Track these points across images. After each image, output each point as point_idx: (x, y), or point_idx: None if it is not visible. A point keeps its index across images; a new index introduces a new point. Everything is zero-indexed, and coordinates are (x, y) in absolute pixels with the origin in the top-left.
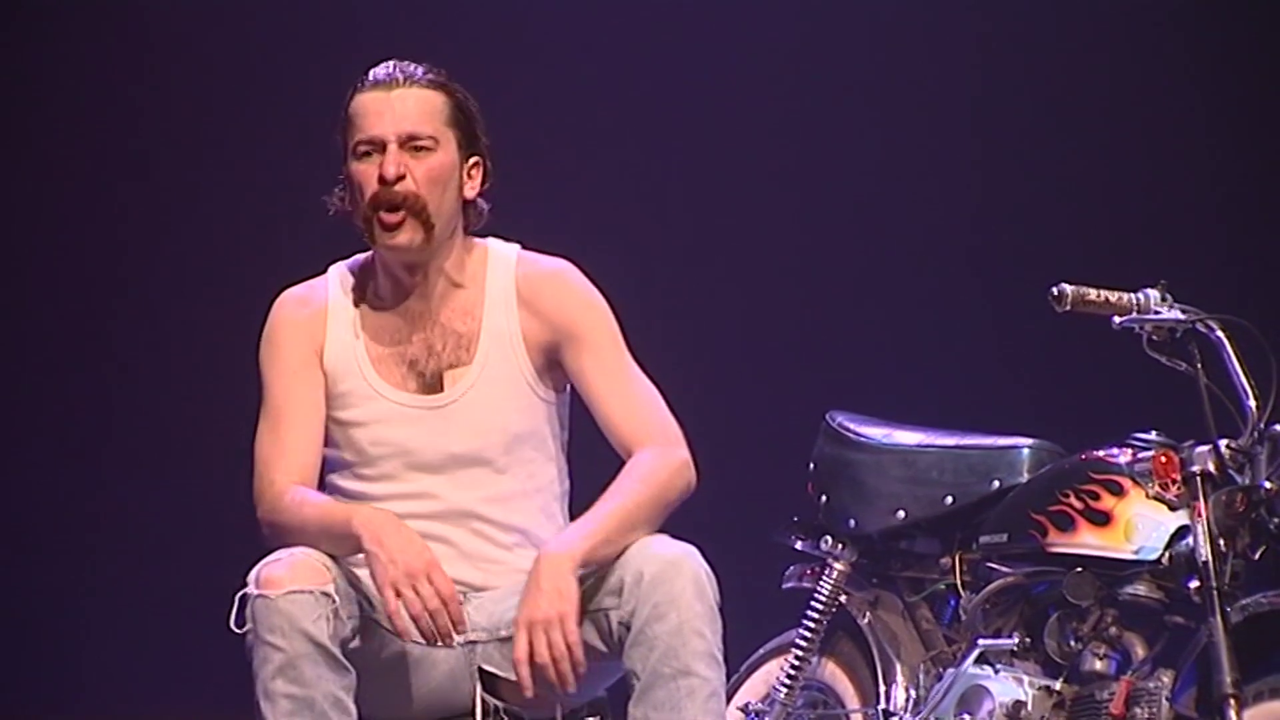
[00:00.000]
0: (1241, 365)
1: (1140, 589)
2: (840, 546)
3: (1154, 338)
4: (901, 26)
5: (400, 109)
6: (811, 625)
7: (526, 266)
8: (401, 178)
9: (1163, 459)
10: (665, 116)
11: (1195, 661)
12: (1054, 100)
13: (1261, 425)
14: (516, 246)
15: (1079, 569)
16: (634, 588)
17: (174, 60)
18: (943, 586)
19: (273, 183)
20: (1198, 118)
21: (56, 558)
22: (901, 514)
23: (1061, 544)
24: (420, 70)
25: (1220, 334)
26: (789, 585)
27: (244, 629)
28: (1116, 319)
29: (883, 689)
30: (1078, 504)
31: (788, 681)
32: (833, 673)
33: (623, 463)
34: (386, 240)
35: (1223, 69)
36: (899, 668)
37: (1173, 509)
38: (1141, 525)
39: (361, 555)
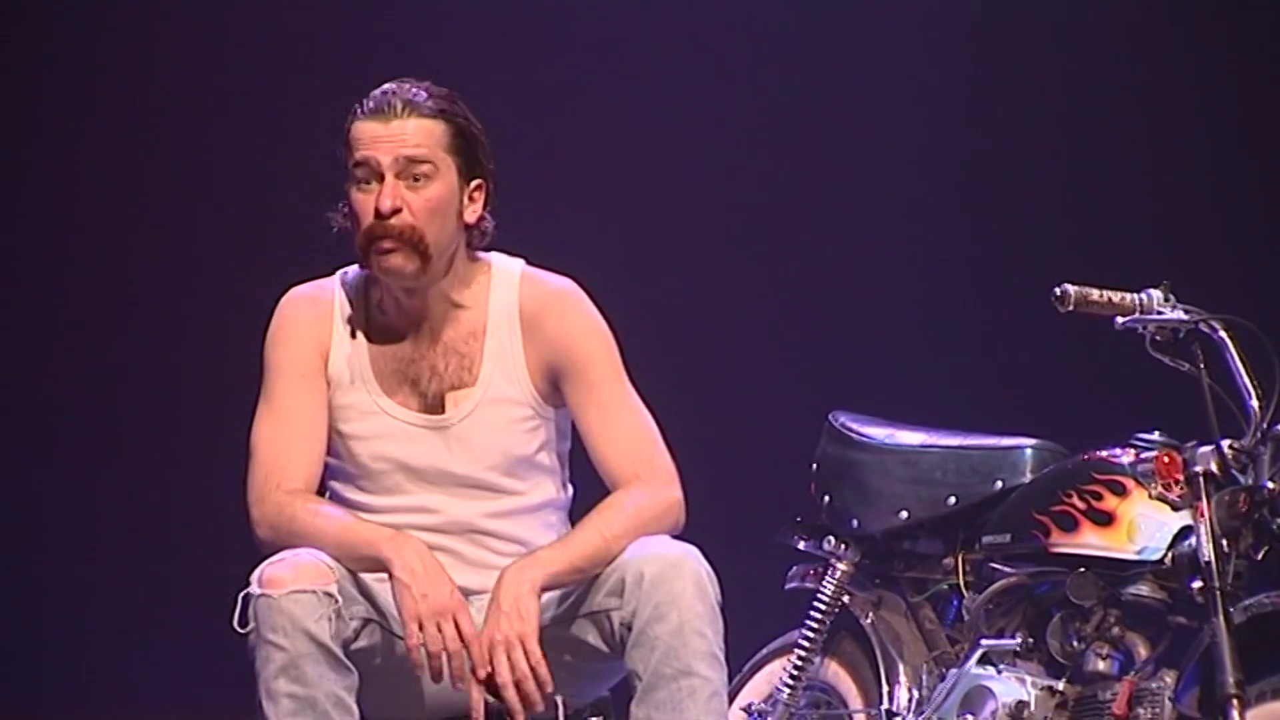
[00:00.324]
0: (1244, 365)
1: (1143, 589)
2: (843, 547)
3: (1157, 338)
4: (902, 27)
5: (398, 139)
6: (814, 625)
7: (530, 287)
8: (398, 210)
9: (1166, 459)
10: (665, 117)
11: (1198, 662)
12: (1056, 100)
13: (1264, 425)
14: (520, 263)
15: (1082, 569)
16: (635, 588)
17: (180, 57)
18: (946, 587)
19: (276, 182)
20: (1200, 117)
21: (57, 558)
22: (904, 514)
23: (1064, 544)
24: (422, 95)
25: (1223, 334)
26: (792, 585)
27: (247, 628)
28: (1119, 319)
29: (885, 689)
30: (1080, 504)
31: (791, 682)
32: (835, 673)
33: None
34: (382, 264)
35: (1225, 68)
36: (902, 668)
37: (1175, 509)
38: (1144, 525)
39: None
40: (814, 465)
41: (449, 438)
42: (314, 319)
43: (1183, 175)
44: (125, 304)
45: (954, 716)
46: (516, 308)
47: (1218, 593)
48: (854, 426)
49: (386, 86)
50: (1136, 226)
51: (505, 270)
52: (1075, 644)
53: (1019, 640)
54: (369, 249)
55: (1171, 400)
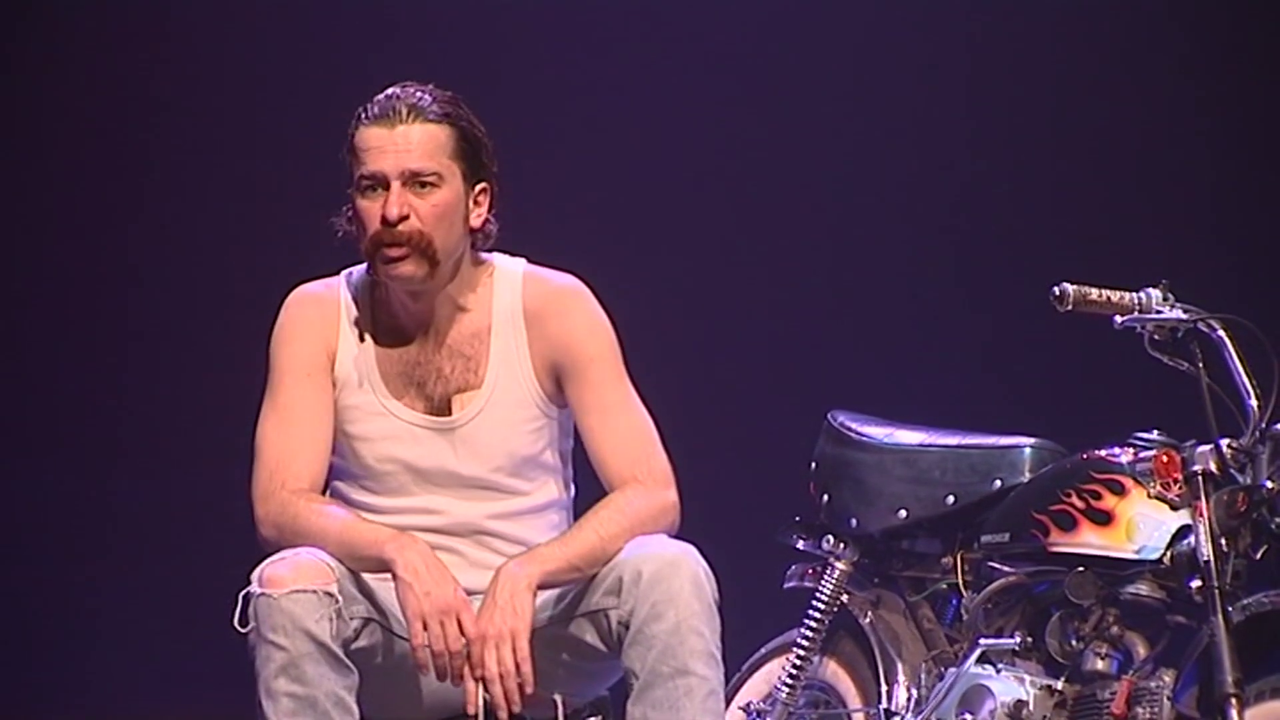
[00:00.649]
0: (1243, 364)
1: (1142, 588)
2: (842, 546)
3: (1155, 337)
4: (900, 26)
5: (404, 146)
6: (813, 625)
7: (533, 285)
8: (405, 217)
9: (1164, 458)
10: (664, 117)
11: (1197, 661)
12: (1055, 100)
13: (1263, 425)
14: (523, 262)
15: (1081, 568)
16: (632, 587)
17: (182, 54)
18: (944, 586)
19: (280, 181)
20: (1199, 116)
21: (58, 557)
22: (903, 513)
23: (1063, 543)
24: (427, 100)
25: (1222, 333)
26: (790, 585)
27: (247, 628)
28: (1118, 318)
29: (884, 688)
30: (1079, 503)
31: (789, 681)
32: (834, 672)
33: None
34: (390, 272)
35: (1224, 67)
36: (900, 667)
37: (1174, 508)
38: (1143, 525)
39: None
40: (813, 464)
41: (455, 439)
42: (320, 319)
43: (1181, 174)
44: (128, 303)
45: (952, 716)
46: (520, 307)
47: (1216, 592)
48: (853, 426)
49: (390, 91)
50: (1135, 226)
51: (508, 271)
52: (1074, 643)
53: (1018, 639)
54: (376, 255)
55: (1170, 399)
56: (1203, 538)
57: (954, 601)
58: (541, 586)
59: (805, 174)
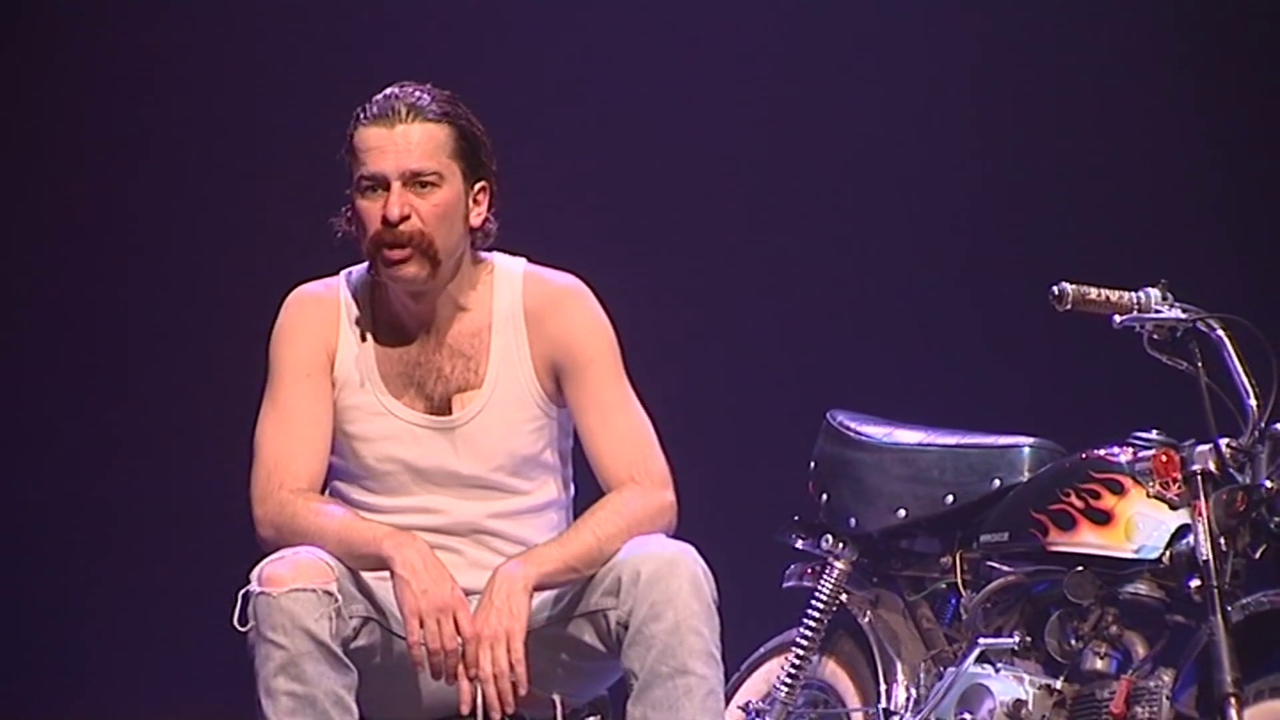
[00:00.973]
0: (1242, 364)
1: (1141, 588)
2: (841, 545)
3: (1155, 337)
4: (902, 27)
5: (404, 145)
6: (812, 624)
7: (533, 285)
8: (406, 218)
9: (1163, 458)
10: (664, 117)
11: (1196, 660)
12: (1055, 100)
13: (1262, 424)
14: (523, 261)
15: (1080, 568)
16: (631, 587)
17: (182, 55)
18: (943, 585)
19: (279, 181)
20: (1199, 116)
21: (57, 557)
22: (902, 513)
23: (1062, 543)
24: (426, 99)
25: (1221, 333)
26: (789, 584)
27: (246, 627)
28: (1117, 318)
29: (883, 688)
30: (1078, 503)
31: (788, 680)
32: (833, 672)
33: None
34: (392, 273)
35: (1223, 67)
36: (900, 666)
37: (1173, 508)
38: (1142, 524)
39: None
40: (812, 464)
41: (455, 438)
42: (320, 319)
43: (1181, 174)
44: (128, 303)
45: (951, 715)
46: (520, 307)
47: (1215, 591)
48: (852, 425)
49: (389, 91)
50: (1134, 225)
51: (508, 270)
52: (1073, 643)
53: (1017, 639)
54: (378, 256)
55: (1169, 399)
56: (1202, 537)
57: (953, 601)
58: (539, 587)
59: (805, 174)
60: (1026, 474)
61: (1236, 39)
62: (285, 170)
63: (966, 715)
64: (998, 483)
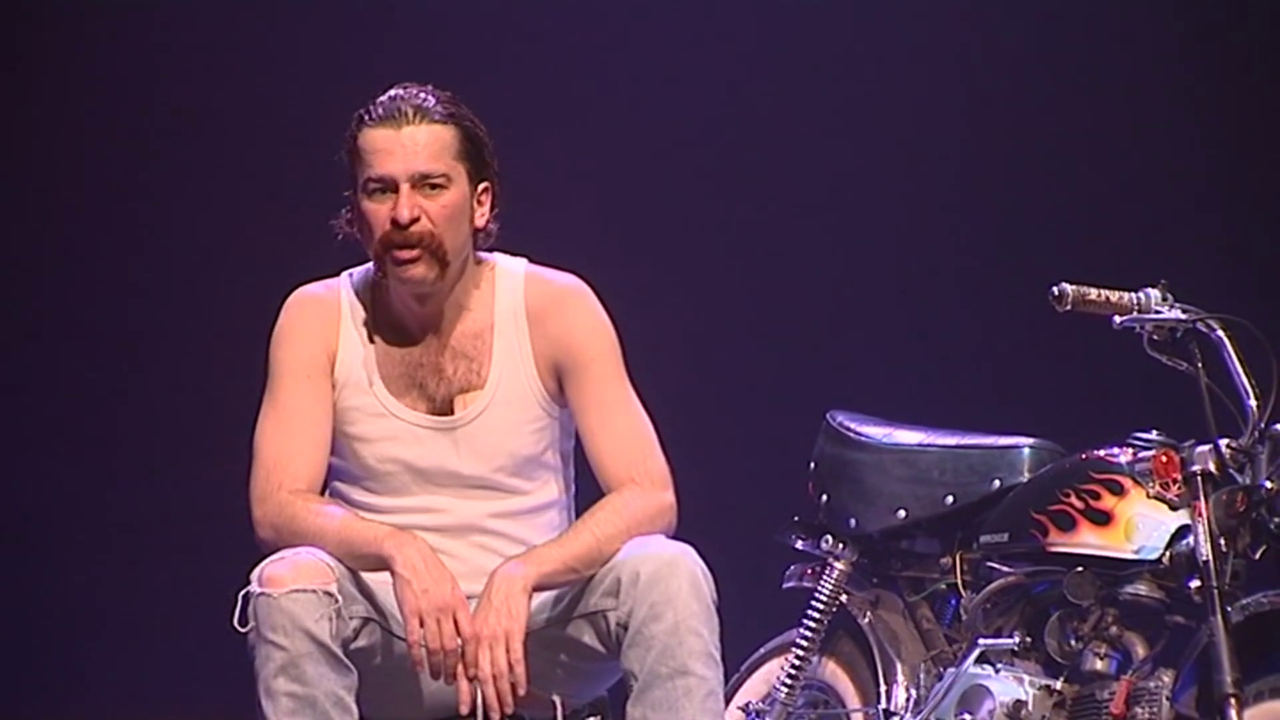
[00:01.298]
0: (1242, 365)
1: (1141, 588)
2: (841, 546)
3: (1154, 337)
4: (898, 27)
5: (411, 147)
6: (812, 625)
7: (535, 285)
8: (416, 219)
9: (1163, 458)
10: (665, 117)
11: (1196, 661)
12: (1054, 100)
13: (1262, 425)
14: (524, 262)
15: (1080, 568)
16: (630, 588)
17: (182, 55)
18: (943, 586)
19: (280, 182)
20: (1198, 116)
21: (57, 557)
22: (902, 513)
23: (1062, 543)
24: (431, 101)
25: (1221, 333)
26: (789, 585)
27: (246, 627)
28: (1117, 319)
29: (883, 688)
30: (1078, 503)
31: (788, 681)
32: (833, 672)
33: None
34: (401, 274)
35: (1223, 68)
36: (899, 667)
37: (1173, 508)
38: (1142, 525)
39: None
40: (812, 464)
41: (457, 439)
42: (321, 320)
43: (1181, 174)
44: (128, 303)
45: (951, 716)
46: (522, 307)
47: (1215, 592)
48: (852, 426)
49: (393, 92)
50: (1134, 226)
51: (510, 270)
52: (1073, 643)
53: (1016, 639)
54: (387, 257)
55: (1169, 399)
56: (1202, 538)
57: (953, 601)
58: (538, 588)
59: (805, 174)
60: (1026, 474)
61: (1236, 39)
62: (286, 171)
63: (966, 716)
64: (998, 483)
